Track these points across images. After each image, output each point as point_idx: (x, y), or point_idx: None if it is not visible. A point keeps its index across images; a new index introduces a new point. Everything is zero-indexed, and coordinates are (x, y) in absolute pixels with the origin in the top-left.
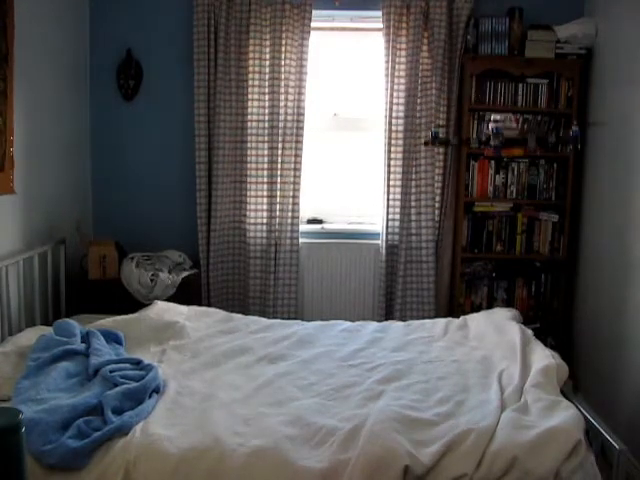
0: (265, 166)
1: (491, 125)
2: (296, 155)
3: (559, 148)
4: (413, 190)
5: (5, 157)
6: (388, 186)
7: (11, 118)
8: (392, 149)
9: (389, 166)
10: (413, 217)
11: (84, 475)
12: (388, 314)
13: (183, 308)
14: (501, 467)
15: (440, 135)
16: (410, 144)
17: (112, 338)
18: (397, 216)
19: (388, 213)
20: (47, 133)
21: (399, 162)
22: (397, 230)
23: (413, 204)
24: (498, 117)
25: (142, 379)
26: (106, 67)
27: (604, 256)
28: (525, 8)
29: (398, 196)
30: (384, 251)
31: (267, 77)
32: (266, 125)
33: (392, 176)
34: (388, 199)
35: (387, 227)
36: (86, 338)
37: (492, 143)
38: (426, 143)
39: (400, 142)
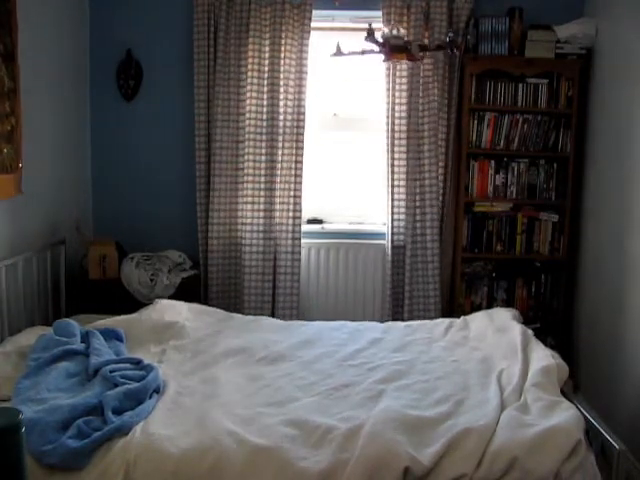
0: (265, 166)
1: (369, 43)
2: (296, 155)
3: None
4: (417, 190)
5: (19, 157)
6: (392, 186)
7: (21, 117)
8: (395, 149)
9: (392, 166)
10: (418, 217)
11: (84, 475)
12: (395, 315)
13: (183, 308)
14: (501, 467)
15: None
16: (414, 144)
17: (112, 335)
18: (402, 216)
19: (393, 213)
20: (47, 133)
21: (403, 162)
22: (402, 230)
23: (418, 204)
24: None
25: (142, 379)
26: (106, 67)
27: (604, 256)
28: (525, 8)
29: (403, 196)
30: (390, 252)
31: (267, 77)
32: (266, 125)
33: (396, 176)
34: (392, 199)
35: (392, 227)
36: (86, 338)
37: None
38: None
39: (403, 142)
